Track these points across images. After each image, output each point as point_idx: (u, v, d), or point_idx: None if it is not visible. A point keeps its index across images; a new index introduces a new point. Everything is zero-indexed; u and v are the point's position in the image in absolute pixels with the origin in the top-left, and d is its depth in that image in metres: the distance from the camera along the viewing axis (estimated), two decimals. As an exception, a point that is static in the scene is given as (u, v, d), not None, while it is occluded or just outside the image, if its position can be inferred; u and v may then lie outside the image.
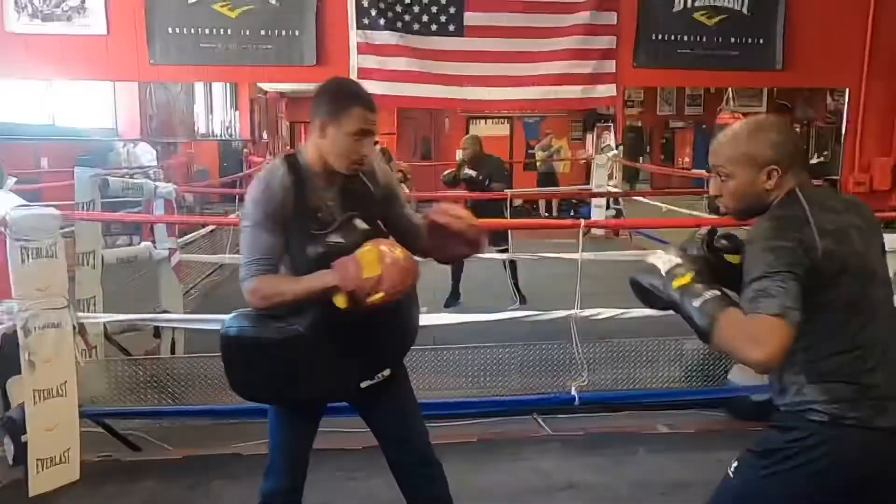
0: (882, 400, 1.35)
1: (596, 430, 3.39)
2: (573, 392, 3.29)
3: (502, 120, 15.46)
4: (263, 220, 1.71)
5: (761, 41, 4.05)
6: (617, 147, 11.24)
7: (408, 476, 1.97)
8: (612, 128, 12.56)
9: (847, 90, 4.38)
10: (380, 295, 1.57)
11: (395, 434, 1.96)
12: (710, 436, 3.43)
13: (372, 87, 3.84)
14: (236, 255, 7.03)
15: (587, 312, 3.25)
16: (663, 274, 1.37)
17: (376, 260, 1.58)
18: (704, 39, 4.03)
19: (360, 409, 1.98)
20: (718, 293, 1.31)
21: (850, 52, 4.18)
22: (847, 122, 4.43)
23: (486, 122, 15.28)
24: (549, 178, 12.58)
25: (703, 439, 3.38)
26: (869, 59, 4.17)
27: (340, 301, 1.61)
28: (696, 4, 4.00)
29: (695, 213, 7.82)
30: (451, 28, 3.85)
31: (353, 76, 3.83)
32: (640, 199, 9.03)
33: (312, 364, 1.75)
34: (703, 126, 14.35)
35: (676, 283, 1.34)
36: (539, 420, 3.45)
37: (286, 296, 1.69)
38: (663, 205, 8.04)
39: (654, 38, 4.02)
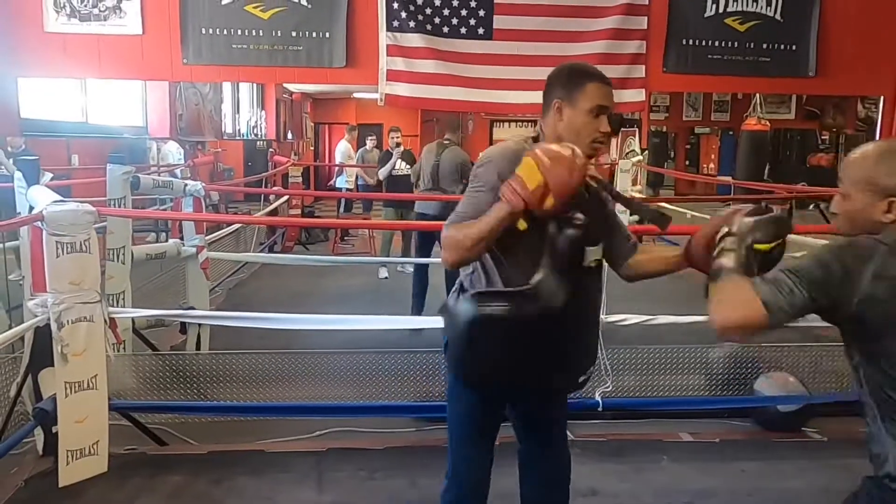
0: None
1: (619, 436, 3.36)
2: (597, 398, 3.28)
3: (526, 123, 15.43)
4: (496, 183, 1.62)
5: (794, 48, 4.00)
6: (642, 152, 11.17)
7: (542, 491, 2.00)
8: (636, 132, 12.47)
9: (881, 98, 4.31)
10: (550, 200, 1.49)
11: (546, 452, 1.97)
12: (735, 445, 3.39)
13: (400, 88, 3.89)
14: (260, 255, 7.07)
15: (613, 318, 3.23)
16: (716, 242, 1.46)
17: (535, 167, 1.50)
18: (736, 45, 3.98)
19: (527, 414, 1.97)
20: (738, 268, 1.37)
21: (885, 59, 4.12)
22: (880, 130, 4.36)
23: (509, 125, 15.27)
24: None
25: (727, 448, 3.34)
26: (904, 66, 4.11)
27: (521, 224, 1.55)
28: (728, 10, 3.96)
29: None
30: (481, 31, 3.85)
31: (382, 78, 3.85)
32: (665, 205, 8.96)
33: (528, 349, 1.70)
34: (730, 132, 14.20)
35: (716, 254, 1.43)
36: (562, 425, 3.44)
37: (470, 237, 1.61)
38: (688, 211, 7.97)
39: (684, 42, 3.99)
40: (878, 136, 4.54)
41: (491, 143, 14.39)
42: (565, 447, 2.01)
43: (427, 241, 5.41)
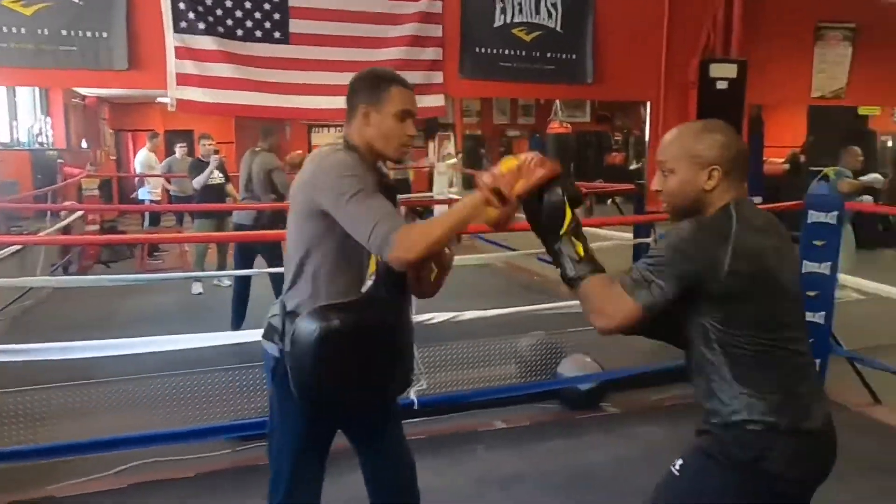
0: (807, 405, 1.44)
1: (437, 432, 3.46)
2: (412, 397, 3.34)
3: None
4: (365, 185, 1.63)
5: (573, 56, 4.35)
6: (457, 155, 11.61)
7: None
8: (451, 136, 12.94)
9: (648, 103, 4.84)
10: (521, 182, 1.52)
11: (391, 460, 1.97)
12: (544, 427, 3.64)
13: (193, 93, 3.68)
14: (49, 279, 6.29)
15: (421, 318, 3.31)
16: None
17: (514, 159, 1.56)
18: (523, 54, 4.25)
19: (366, 427, 1.94)
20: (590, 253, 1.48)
21: (649, 68, 4.62)
22: (650, 131, 4.89)
23: (329, 130, 15.13)
24: (403, 184, 12.73)
25: (537, 431, 3.58)
26: (665, 74, 4.64)
27: (491, 213, 1.56)
28: (515, 20, 4.21)
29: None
30: (277, 35, 3.74)
31: (172, 82, 3.60)
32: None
33: (374, 359, 1.75)
34: (537, 134, 15.21)
35: (562, 231, 1.49)
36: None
37: (436, 232, 1.57)
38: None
39: (477, 50, 4.18)
40: (647, 138, 5.11)
41: (310, 149, 14.14)
42: (407, 450, 2.01)
43: (247, 253, 5.20)
